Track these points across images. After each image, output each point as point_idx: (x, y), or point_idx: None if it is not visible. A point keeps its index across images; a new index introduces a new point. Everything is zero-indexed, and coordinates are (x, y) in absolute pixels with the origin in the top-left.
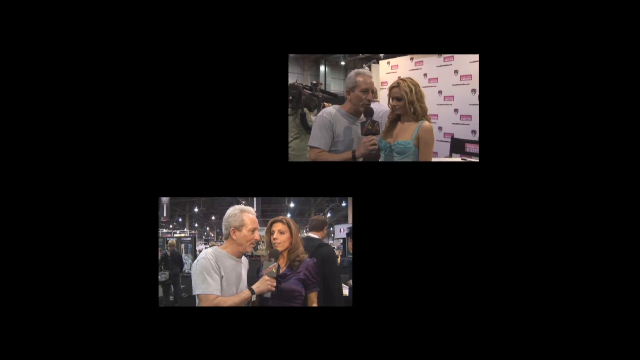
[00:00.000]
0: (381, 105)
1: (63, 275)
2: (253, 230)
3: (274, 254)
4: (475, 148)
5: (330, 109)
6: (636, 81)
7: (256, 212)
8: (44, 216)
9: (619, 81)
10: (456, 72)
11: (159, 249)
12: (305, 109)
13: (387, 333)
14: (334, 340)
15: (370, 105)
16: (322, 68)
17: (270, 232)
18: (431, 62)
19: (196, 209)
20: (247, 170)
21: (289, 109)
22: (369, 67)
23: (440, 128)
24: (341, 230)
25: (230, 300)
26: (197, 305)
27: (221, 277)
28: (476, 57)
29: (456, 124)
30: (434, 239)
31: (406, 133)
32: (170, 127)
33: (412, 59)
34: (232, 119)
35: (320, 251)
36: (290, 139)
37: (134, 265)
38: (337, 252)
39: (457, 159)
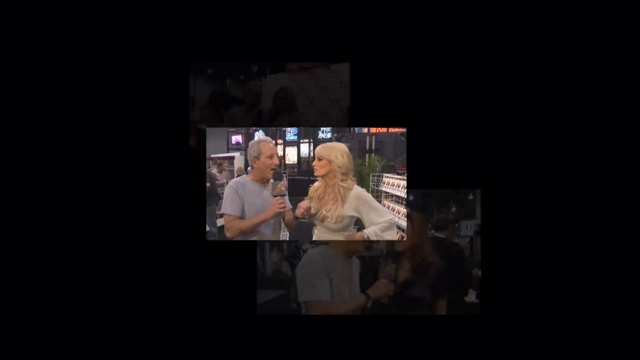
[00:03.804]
0: None
1: (143, 273)
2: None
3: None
4: None
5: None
6: (500, 83)
7: None
8: (129, 218)
9: (473, 77)
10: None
11: None
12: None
13: (519, 348)
14: (458, 354)
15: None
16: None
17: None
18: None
19: None
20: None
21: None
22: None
23: None
24: (468, 227)
25: (343, 308)
26: (303, 313)
27: (331, 281)
28: None
29: None
30: (575, 235)
31: None
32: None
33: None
34: (142, 118)
35: (449, 252)
36: None
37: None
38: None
39: None
